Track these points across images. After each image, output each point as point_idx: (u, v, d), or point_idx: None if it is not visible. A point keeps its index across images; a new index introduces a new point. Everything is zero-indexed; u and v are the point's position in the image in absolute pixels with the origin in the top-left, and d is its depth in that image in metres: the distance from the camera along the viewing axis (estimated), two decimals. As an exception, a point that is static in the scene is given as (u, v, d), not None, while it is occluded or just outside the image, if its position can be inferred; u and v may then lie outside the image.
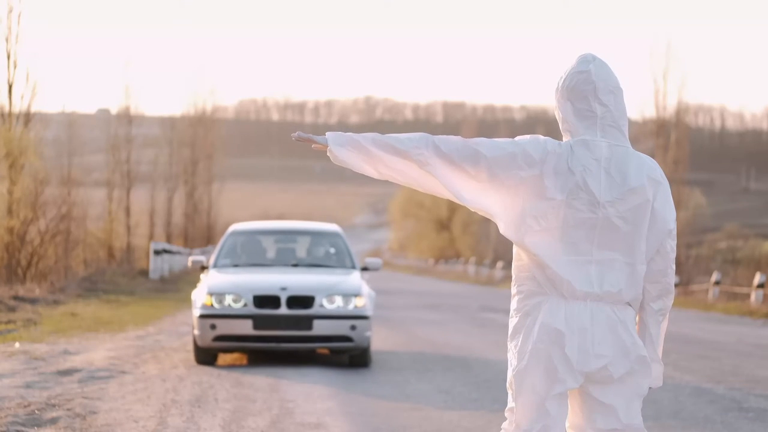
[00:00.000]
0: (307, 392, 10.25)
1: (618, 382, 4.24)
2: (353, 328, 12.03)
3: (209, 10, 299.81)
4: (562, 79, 4.30)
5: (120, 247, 36.91)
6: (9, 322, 16.36)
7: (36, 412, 8.60)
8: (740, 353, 14.35)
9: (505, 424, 4.33)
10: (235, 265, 13.36)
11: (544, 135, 4.29)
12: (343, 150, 4.28)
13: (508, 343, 4.32)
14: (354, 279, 12.73)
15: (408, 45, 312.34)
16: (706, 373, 11.80)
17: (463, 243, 73.83)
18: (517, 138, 4.28)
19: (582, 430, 4.31)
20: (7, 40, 26.12)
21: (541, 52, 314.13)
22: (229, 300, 12.07)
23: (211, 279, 12.60)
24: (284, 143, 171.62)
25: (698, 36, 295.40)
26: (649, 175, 4.25)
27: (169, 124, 47.03)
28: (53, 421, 8.29)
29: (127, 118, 38.98)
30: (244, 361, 12.53)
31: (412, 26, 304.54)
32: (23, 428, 7.93)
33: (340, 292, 12.21)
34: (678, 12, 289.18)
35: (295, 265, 13.48)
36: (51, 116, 30.08)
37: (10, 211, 24.82)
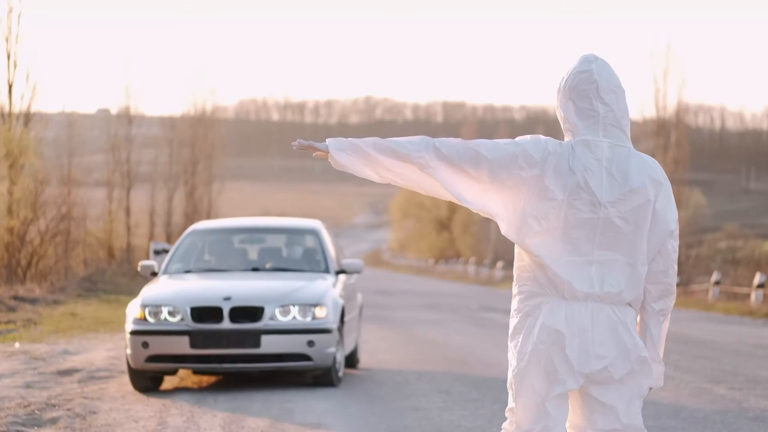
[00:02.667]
0: (307, 392, 10.25)
1: (618, 382, 4.23)
2: (311, 344, 10.26)
3: (209, 10, 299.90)
4: (564, 79, 4.30)
5: (120, 247, 36.92)
6: (9, 322, 16.37)
7: (36, 412, 8.61)
8: (740, 353, 14.34)
9: (505, 424, 4.33)
10: (188, 271, 11.50)
11: (545, 135, 4.29)
12: (344, 155, 4.27)
13: (509, 343, 4.32)
14: (318, 285, 10.86)
15: (408, 44, 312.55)
16: (706, 373, 11.79)
17: (463, 243, 73.79)
18: (518, 138, 4.27)
19: (582, 430, 4.31)
20: (7, 40, 26.18)
21: (541, 52, 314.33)
22: (165, 313, 10.27)
23: (148, 288, 10.78)
24: (284, 143, 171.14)
25: (698, 36, 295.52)
26: (651, 175, 4.24)
27: (169, 124, 46.97)
28: (53, 421, 8.29)
29: (127, 118, 39.01)
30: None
31: (411, 26, 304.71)
32: (23, 428, 7.93)
33: (297, 301, 10.40)
34: (678, 12, 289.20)
35: (256, 269, 11.62)
36: (51, 116, 30.11)
37: (10, 211, 24.83)
